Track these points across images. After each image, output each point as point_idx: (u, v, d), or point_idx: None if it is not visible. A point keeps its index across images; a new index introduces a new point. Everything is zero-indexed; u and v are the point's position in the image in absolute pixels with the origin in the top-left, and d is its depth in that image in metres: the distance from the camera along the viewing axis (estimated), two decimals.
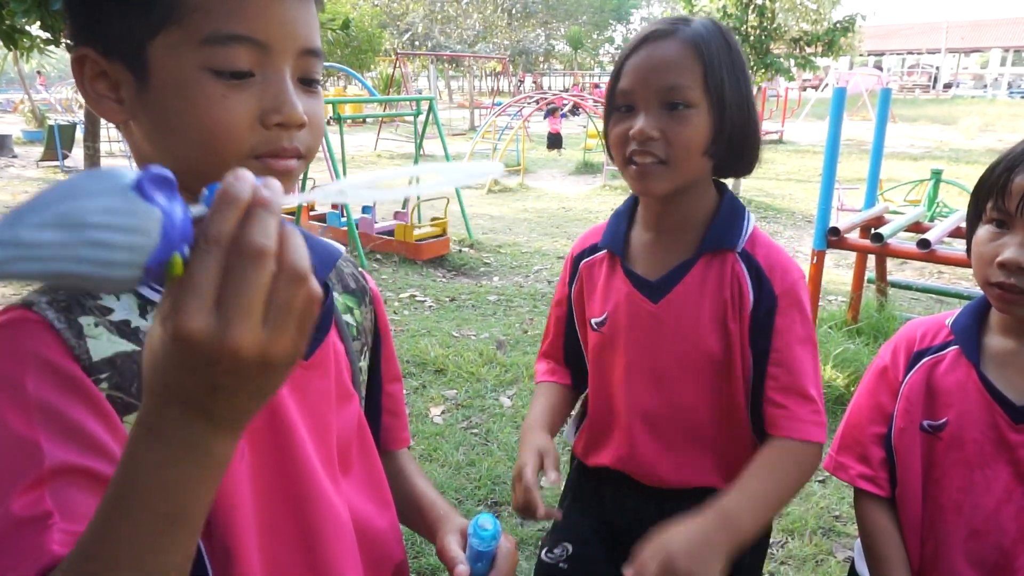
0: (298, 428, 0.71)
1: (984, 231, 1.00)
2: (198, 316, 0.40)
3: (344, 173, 6.68)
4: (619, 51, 1.13)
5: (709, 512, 0.98)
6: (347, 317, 0.83)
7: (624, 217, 1.24)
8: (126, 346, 0.61)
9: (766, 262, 1.13)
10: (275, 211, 0.43)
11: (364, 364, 0.86)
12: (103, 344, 0.60)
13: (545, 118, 12.25)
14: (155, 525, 0.46)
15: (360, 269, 0.91)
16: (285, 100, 0.63)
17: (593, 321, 1.23)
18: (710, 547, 0.93)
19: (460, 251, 6.82)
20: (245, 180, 0.42)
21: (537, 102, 13.85)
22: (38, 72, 21.29)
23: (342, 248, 0.87)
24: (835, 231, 3.72)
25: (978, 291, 1.06)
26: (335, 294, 0.82)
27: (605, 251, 1.23)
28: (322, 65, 0.68)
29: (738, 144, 1.09)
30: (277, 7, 0.62)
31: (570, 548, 1.32)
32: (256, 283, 0.41)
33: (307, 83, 0.66)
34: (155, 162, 0.65)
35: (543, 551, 1.35)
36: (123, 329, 0.62)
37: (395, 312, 5.09)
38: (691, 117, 1.04)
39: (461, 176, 0.54)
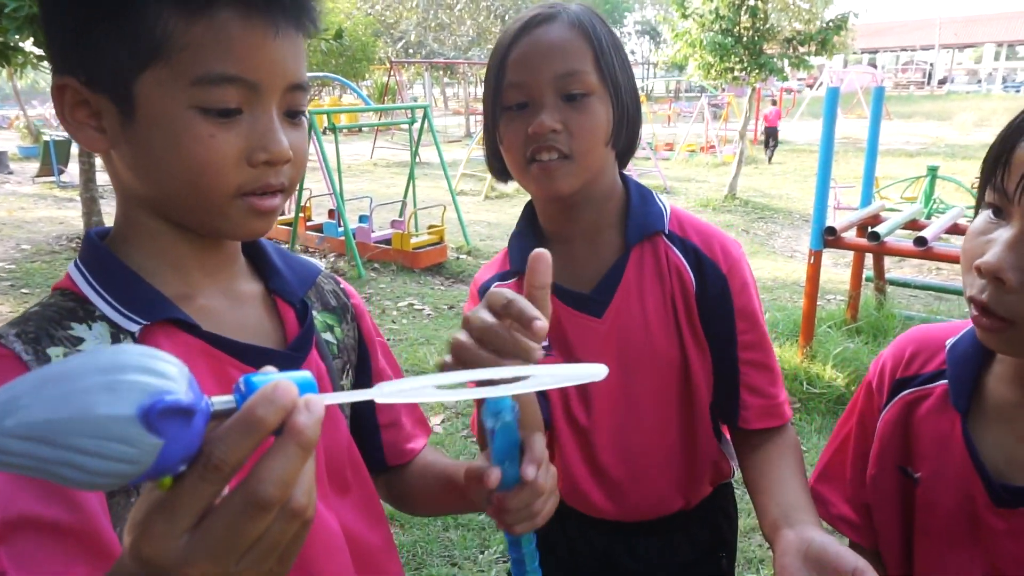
0: None
1: (978, 219, 0.72)
2: (163, 542, 0.37)
3: (340, 182, 6.68)
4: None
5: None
6: (327, 335, 0.82)
7: (527, 235, 1.08)
8: None
9: (702, 240, 1.03)
10: (306, 446, 0.38)
11: (347, 383, 0.85)
12: None
13: None
14: None
15: (342, 285, 0.90)
16: (272, 138, 0.63)
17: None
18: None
19: (458, 258, 6.81)
20: (281, 398, 0.37)
21: None
22: None
23: (321, 265, 0.86)
24: (831, 230, 3.71)
25: None
26: (314, 313, 0.81)
27: (517, 277, 1.06)
28: (308, 96, 0.68)
29: (633, 130, 1.00)
30: (268, 47, 0.61)
31: None
32: (248, 532, 0.38)
33: (292, 115, 0.67)
34: (137, 191, 0.66)
35: None
36: None
37: (393, 321, 5.08)
38: (592, 105, 0.93)
39: (563, 379, 0.50)
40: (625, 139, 1.00)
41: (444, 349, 4.39)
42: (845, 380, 3.63)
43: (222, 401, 0.39)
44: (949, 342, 0.84)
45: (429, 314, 5.25)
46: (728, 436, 1.13)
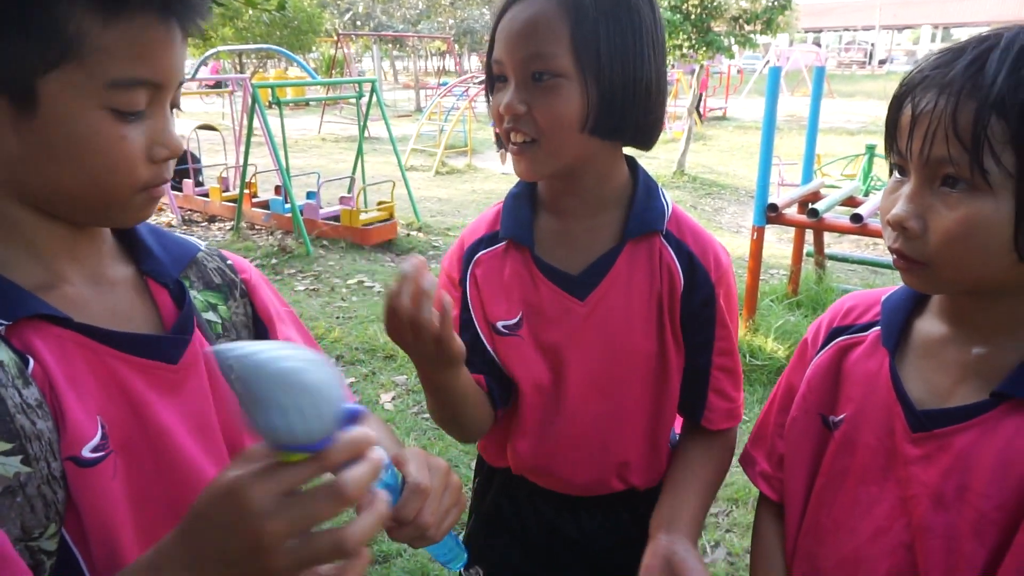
0: (173, 430, 0.69)
1: (890, 181, 0.81)
2: (262, 493, 0.49)
3: (287, 158, 6.54)
4: None
5: (669, 529, 0.97)
6: (209, 315, 0.81)
7: (524, 200, 1.07)
8: None
9: (697, 246, 1.03)
10: (377, 469, 0.52)
11: None
12: None
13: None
14: None
15: (230, 261, 0.88)
16: (170, 135, 0.67)
17: (500, 324, 1.05)
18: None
19: (408, 235, 6.75)
20: (370, 438, 0.52)
21: (482, 82, 13.75)
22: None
23: (201, 244, 0.86)
24: (773, 207, 3.81)
25: None
26: (194, 293, 0.80)
27: (505, 242, 1.06)
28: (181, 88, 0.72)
29: (625, 115, 0.93)
30: (171, 49, 0.64)
31: (480, 573, 1.25)
32: (320, 513, 0.50)
33: (173, 108, 0.70)
34: (14, 186, 0.64)
35: (460, 569, 1.25)
36: None
37: (343, 299, 5.03)
38: (557, 89, 0.89)
39: None
40: (616, 124, 0.93)
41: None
42: (786, 352, 3.76)
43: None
44: (884, 296, 0.92)
45: (379, 291, 5.21)
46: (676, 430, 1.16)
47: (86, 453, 0.62)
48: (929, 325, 0.85)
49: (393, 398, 3.57)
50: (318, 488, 0.50)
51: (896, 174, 0.78)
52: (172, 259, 0.78)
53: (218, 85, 11.02)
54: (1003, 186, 0.68)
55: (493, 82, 0.97)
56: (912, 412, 0.80)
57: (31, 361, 0.61)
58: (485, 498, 1.25)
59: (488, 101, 1.00)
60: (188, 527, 0.53)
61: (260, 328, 0.88)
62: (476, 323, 1.08)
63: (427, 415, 3.39)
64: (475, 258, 1.08)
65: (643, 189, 1.04)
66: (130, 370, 0.68)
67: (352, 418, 0.51)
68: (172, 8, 0.62)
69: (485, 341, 1.08)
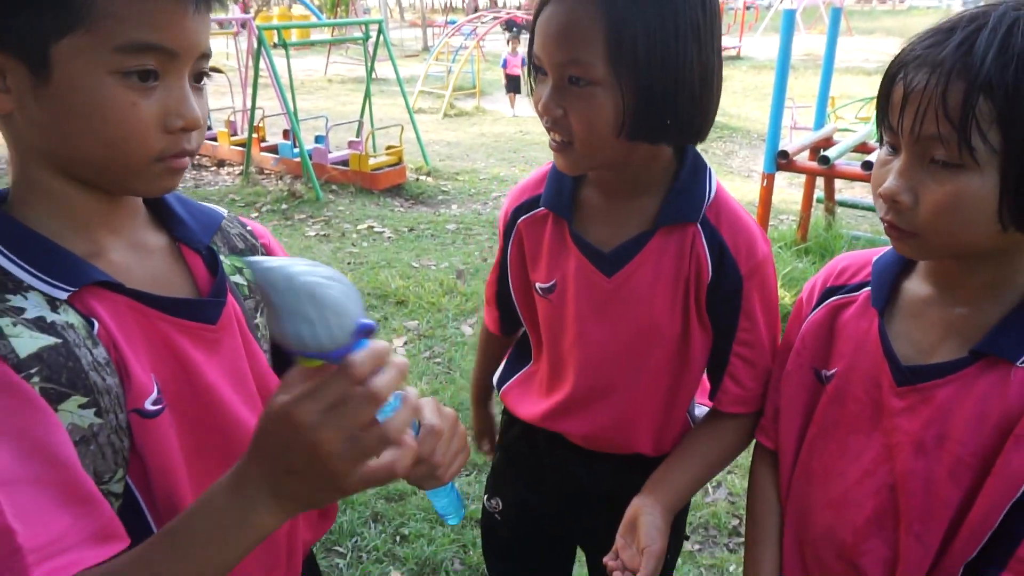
0: (218, 385, 0.75)
1: (880, 153, 0.83)
2: (307, 411, 0.55)
3: (294, 100, 6.48)
4: None
5: (655, 496, 1.04)
6: (236, 278, 0.85)
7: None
8: (48, 340, 0.62)
9: (731, 237, 1.02)
10: (404, 371, 0.59)
11: (261, 321, 0.89)
12: (26, 341, 0.61)
13: (508, 40, 11.49)
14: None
15: (249, 227, 0.93)
16: (187, 106, 0.68)
17: (539, 286, 1.12)
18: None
19: (417, 179, 6.75)
20: (386, 349, 0.58)
21: (494, 19, 13.44)
22: None
23: (224, 211, 0.90)
24: (784, 154, 3.79)
25: None
26: (222, 257, 0.84)
27: (546, 210, 1.10)
28: (209, 62, 0.73)
29: (665, 118, 0.91)
30: (184, 18, 0.65)
31: (500, 503, 1.33)
32: (361, 416, 0.56)
33: (197, 80, 0.71)
34: (42, 151, 0.67)
35: (485, 496, 1.37)
36: (41, 325, 0.63)
37: (353, 244, 5.07)
38: (592, 96, 0.88)
39: None
40: (654, 129, 0.92)
41: (405, 272, 4.42)
42: (792, 299, 3.79)
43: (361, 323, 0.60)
44: (875, 257, 0.96)
45: (390, 237, 5.25)
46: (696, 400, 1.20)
47: (148, 406, 0.69)
48: (916, 286, 0.90)
49: (405, 343, 3.64)
50: (354, 395, 0.56)
51: (887, 147, 0.82)
52: (201, 226, 0.83)
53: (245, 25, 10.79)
54: (989, 162, 0.72)
55: (536, 72, 0.96)
56: (898, 368, 0.86)
57: (95, 324, 0.67)
58: (508, 435, 1.32)
59: (531, 90, 1.00)
60: (255, 450, 0.60)
61: None
62: (509, 277, 1.19)
63: (438, 359, 3.47)
64: (518, 221, 1.14)
65: (687, 173, 1.02)
66: (177, 332, 0.73)
67: (367, 331, 0.57)
68: None
69: (513, 295, 1.20)
